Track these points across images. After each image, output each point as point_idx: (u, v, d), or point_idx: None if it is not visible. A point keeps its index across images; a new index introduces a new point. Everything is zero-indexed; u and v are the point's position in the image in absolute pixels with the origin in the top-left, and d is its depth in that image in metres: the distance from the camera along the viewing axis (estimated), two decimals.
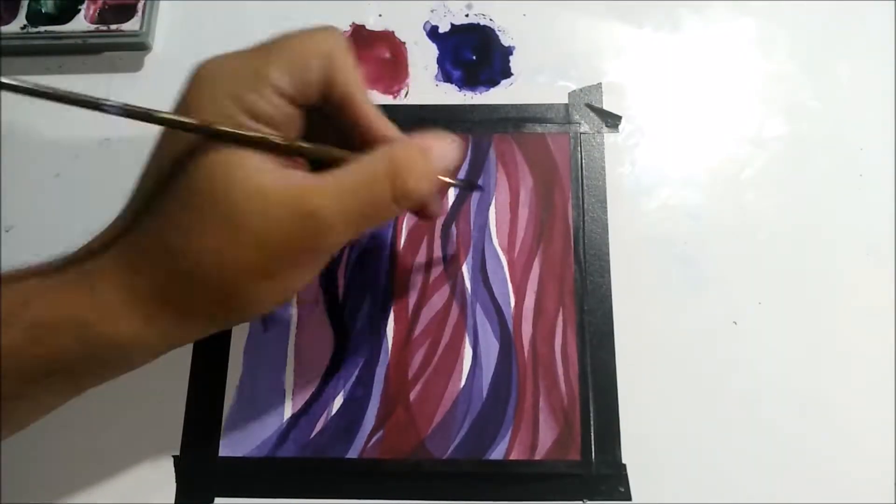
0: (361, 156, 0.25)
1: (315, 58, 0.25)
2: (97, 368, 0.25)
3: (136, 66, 0.40)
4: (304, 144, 0.25)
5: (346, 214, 0.24)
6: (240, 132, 0.23)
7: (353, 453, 0.32)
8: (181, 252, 0.23)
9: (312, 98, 0.25)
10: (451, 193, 0.37)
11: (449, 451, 0.32)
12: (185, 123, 0.22)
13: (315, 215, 0.23)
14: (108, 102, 0.21)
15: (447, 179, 0.29)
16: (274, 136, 0.24)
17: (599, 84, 0.39)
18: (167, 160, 0.24)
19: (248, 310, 0.25)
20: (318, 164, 0.25)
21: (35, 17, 0.39)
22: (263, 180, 0.23)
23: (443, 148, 0.26)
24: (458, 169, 0.37)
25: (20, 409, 0.25)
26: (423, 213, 0.31)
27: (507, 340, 0.34)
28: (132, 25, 0.39)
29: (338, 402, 0.33)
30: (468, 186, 0.34)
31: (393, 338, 0.34)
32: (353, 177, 0.24)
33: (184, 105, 0.24)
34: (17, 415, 0.25)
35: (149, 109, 0.22)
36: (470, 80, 0.39)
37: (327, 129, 0.26)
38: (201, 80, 0.24)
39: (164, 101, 0.39)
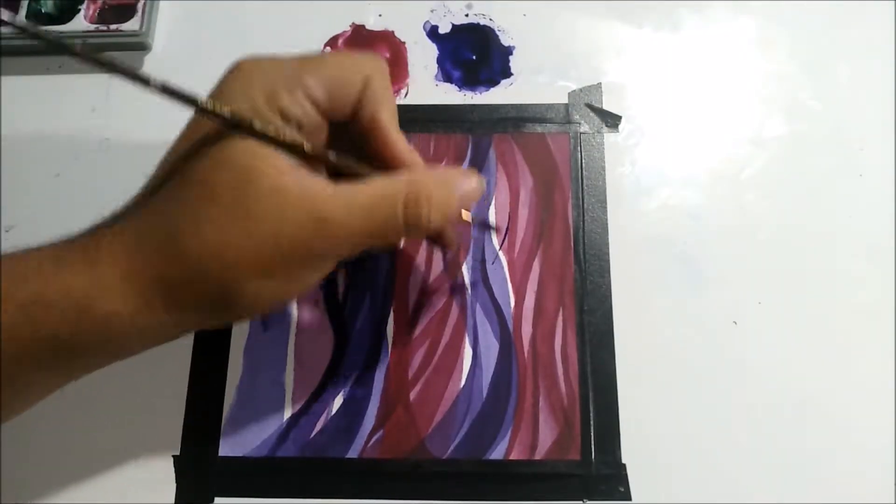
0: (381, 175, 0.25)
1: (354, 77, 0.26)
2: (92, 349, 0.25)
3: (136, 66, 0.40)
4: (329, 154, 0.25)
5: (354, 229, 0.24)
6: (271, 133, 0.23)
7: (353, 453, 0.32)
8: (188, 237, 0.23)
9: (343, 113, 0.26)
10: None
11: (449, 451, 0.32)
12: (221, 115, 0.23)
13: (326, 221, 0.24)
14: (152, 79, 0.22)
15: (464, 216, 0.30)
16: (301, 141, 0.24)
17: (599, 84, 0.39)
18: (191, 145, 0.24)
19: (243, 306, 0.25)
20: (337, 174, 0.25)
21: (35, 17, 0.39)
22: (284, 180, 0.23)
23: (465, 183, 0.27)
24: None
25: (16, 391, 0.25)
26: (435, 241, 0.32)
27: (507, 340, 0.34)
28: (132, 25, 0.39)
29: (338, 402, 0.33)
30: (484, 226, 0.34)
31: (393, 338, 0.34)
32: (370, 193, 0.25)
33: (218, 93, 0.25)
34: (13, 397, 0.25)
35: (190, 94, 0.22)
36: (470, 80, 0.39)
37: (348, 144, 0.27)
38: (240, 71, 0.25)
39: (163, 101, 0.39)
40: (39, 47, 0.39)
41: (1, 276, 0.23)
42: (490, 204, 0.36)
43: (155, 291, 0.24)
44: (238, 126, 0.23)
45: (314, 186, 0.24)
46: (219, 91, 0.25)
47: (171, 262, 0.23)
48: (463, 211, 0.30)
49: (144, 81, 0.22)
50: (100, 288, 0.23)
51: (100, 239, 0.24)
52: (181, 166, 0.24)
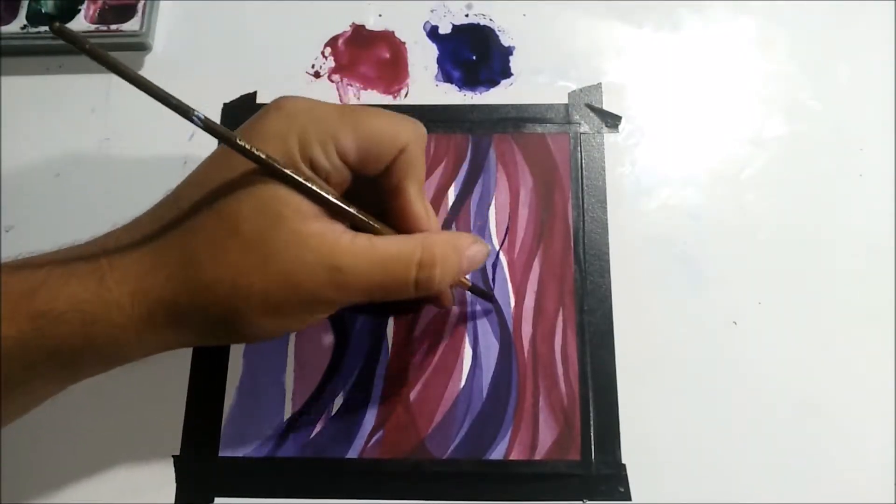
0: (399, 235, 0.27)
1: (390, 144, 0.26)
2: (96, 359, 0.25)
3: (136, 67, 0.40)
4: (352, 209, 0.26)
5: (368, 281, 0.25)
6: (302, 180, 0.24)
7: (353, 453, 0.32)
8: (205, 267, 0.24)
9: (370, 173, 0.27)
10: (452, 193, 0.37)
11: (449, 451, 0.32)
12: (258, 157, 0.23)
13: (341, 271, 0.24)
14: (196, 114, 0.22)
15: (466, 282, 0.31)
16: (329, 193, 0.25)
17: (599, 84, 0.39)
18: (218, 175, 0.25)
19: (246, 336, 0.26)
20: (356, 225, 0.26)
21: (35, 17, 0.39)
22: (306, 226, 0.24)
23: (475, 251, 0.28)
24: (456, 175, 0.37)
25: (21, 396, 0.25)
26: (435, 301, 0.33)
27: (507, 340, 0.34)
28: (132, 25, 0.39)
29: (338, 402, 0.33)
30: (483, 295, 0.34)
31: (393, 338, 0.34)
32: (386, 250, 0.25)
33: (255, 129, 0.25)
34: (17, 401, 0.26)
35: (229, 132, 0.23)
36: (470, 80, 0.39)
37: (371, 192, 0.28)
38: (280, 112, 0.25)
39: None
40: (44, 48, 0.40)
41: (5, 288, 0.23)
42: (490, 204, 0.36)
43: (162, 311, 0.24)
44: (270, 170, 0.24)
45: (334, 235, 0.25)
46: (257, 126, 0.25)
47: (183, 288, 0.24)
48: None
49: (186, 114, 0.22)
50: (107, 302, 0.24)
51: (111, 252, 0.24)
52: (205, 195, 0.24)
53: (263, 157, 0.23)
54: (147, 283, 0.24)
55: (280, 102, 0.26)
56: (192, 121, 0.22)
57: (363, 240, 0.25)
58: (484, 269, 0.35)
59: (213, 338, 0.27)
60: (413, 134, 0.27)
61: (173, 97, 0.22)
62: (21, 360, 0.23)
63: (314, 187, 0.24)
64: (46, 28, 0.39)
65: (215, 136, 0.23)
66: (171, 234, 0.24)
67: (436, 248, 0.26)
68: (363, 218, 0.26)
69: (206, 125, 0.23)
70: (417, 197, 0.28)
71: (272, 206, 0.24)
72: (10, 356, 0.23)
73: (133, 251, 0.24)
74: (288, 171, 0.24)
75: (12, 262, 0.25)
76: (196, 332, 0.25)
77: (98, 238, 0.26)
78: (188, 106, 0.22)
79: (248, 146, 0.23)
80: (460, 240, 0.28)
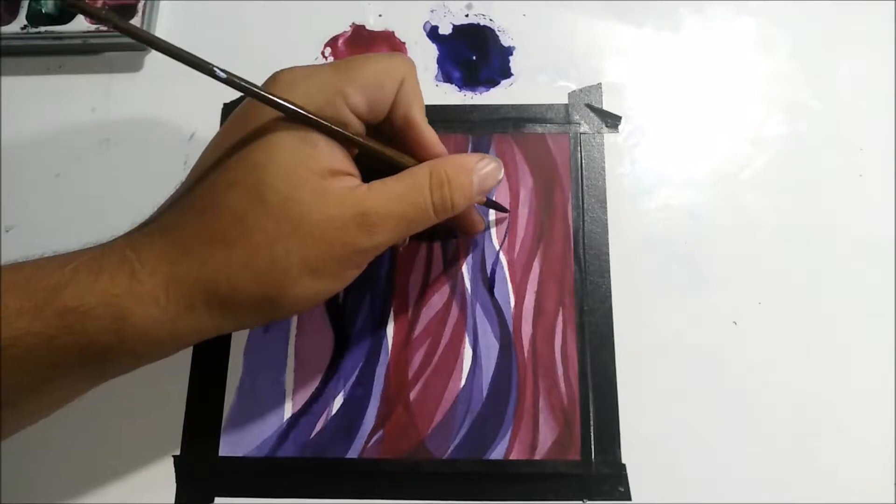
0: (409, 168, 0.27)
1: (389, 80, 0.27)
2: (126, 357, 0.25)
3: (136, 66, 0.40)
4: (375, 144, 0.27)
5: (393, 217, 0.26)
6: (323, 120, 0.25)
7: (353, 453, 0.32)
8: (236, 241, 0.24)
9: (380, 116, 0.27)
10: None
11: (449, 451, 0.32)
12: (286, 106, 0.24)
13: (367, 215, 0.25)
14: (217, 69, 0.23)
15: (482, 198, 0.31)
16: (352, 133, 0.26)
17: (599, 84, 0.39)
18: (231, 153, 0.25)
19: (289, 306, 0.26)
20: (368, 176, 0.27)
21: (35, 17, 0.39)
22: (328, 184, 0.25)
23: (483, 167, 0.29)
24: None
25: (45, 395, 0.25)
26: (466, 227, 0.34)
27: (507, 340, 0.34)
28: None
29: (338, 402, 0.33)
30: (499, 208, 0.35)
31: (393, 338, 0.34)
32: (401, 184, 0.26)
33: (256, 104, 0.25)
34: (41, 401, 0.25)
35: (254, 85, 0.24)
36: (470, 81, 0.39)
37: (379, 140, 0.28)
38: (280, 84, 0.26)
39: (163, 101, 0.39)
40: (44, 48, 0.40)
41: (30, 283, 0.23)
42: None
43: (200, 296, 0.24)
44: (299, 117, 0.25)
45: (352, 186, 0.25)
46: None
47: (218, 269, 0.24)
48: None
49: (210, 72, 0.23)
50: (140, 297, 0.23)
51: (138, 246, 0.24)
52: (223, 172, 0.25)
53: (291, 105, 0.24)
54: (179, 271, 0.24)
55: (275, 76, 0.26)
56: (214, 76, 0.23)
57: (378, 184, 0.26)
58: (484, 268, 0.35)
59: (255, 316, 0.26)
60: (406, 65, 0.28)
61: (193, 55, 0.23)
62: (48, 358, 0.23)
63: (344, 132, 0.25)
64: (46, 28, 0.39)
65: (241, 90, 0.23)
66: (195, 217, 0.24)
67: (443, 170, 0.27)
68: (388, 151, 0.27)
69: (230, 79, 0.23)
70: (425, 124, 0.28)
71: (293, 170, 0.24)
72: (36, 353, 0.23)
73: (160, 242, 0.24)
74: (321, 117, 0.25)
75: (36, 259, 0.25)
76: (237, 314, 0.25)
77: (120, 236, 0.26)
78: (208, 62, 0.23)
79: (275, 96, 0.24)
80: (467, 159, 0.28)
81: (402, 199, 0.26)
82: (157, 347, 0.25)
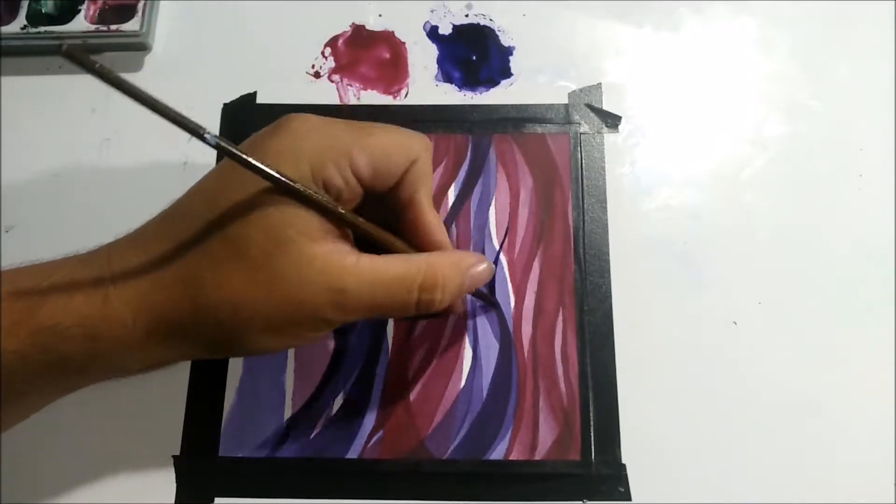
0: (403, 256, 0.26)
1: (401, 157, 0.26)
2: (97, 372, 0.26)
3: (137, 66, 0.40)
4: (367, 226, 0.26)
5: (368, 304, 0.25)
6: (319, 197, 0.24)
7: (353, 453, 0.32)
8: (209, 288, 0.24)
9: (384, 187, 0.27)
10: (452, 193, 0.37)
11: (449, 451, 0.32)
12: (273, 175, 0.23)
13: (343, 292, 0.24)
14: (208, 135, 0.22)
15: (471, 296, 0.31)
16: (337, 206, 0.25)
17: (599, 84, 0.39)
18: (221, 199, 0.24)
19: (246, 352, 0.27)
20: (364, 244, 0.26)
21: (35, 17, 0.39)
22: (315, 249, 0.24)
23: (476, 268, 0.28)
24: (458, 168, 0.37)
25: (19, 405, 0.26)
26: (442, 313, 0.32)
27: (507, 340, 0.34)
28: (132, 25, 0.39)
29: (338, 402, 0.33)
30: (486, 300, 0.34)
31: (393, 338, 0.34)
32: (389, 272, 0.25)
33: (262, 148, 0.25)
34: (14, 412, 0.26)
35: (239, 149, 0.23)
36: (470, 81, 0.39)
37: (379, 210, 0.28)
38: (289, 132, 0.25)
39: (163, 101, 0.39)
40: (44, 48, 0.40)
41: (6, 301, 0.23)
42: (490, 204, 0.36)
43: (164, 329, 0.24)
44: (284, 188, 0.24)
45: (339, 256, 0.25)
46: (267, 145, 0.25)
47: (185, 307, 0.24)
48: None
49: (200, 135, 0.22)
50: (110, 318, 0.24)
51: (115, 271, 0.24)
52: (212, 213, 0.24)
53: (277, 175, 0.23)
54: (150, 301, 0.24)
55: (289, 122, 0.25)
56: (203, 140, 0.22)
57: (367, 260, 0.25)
58: None
59: (214, 353, 0.27)
60: (422, 146, 0.27)
61: (185, 117, 0.22)
62: (22, 373, 0.24)
63: (330, 204, 0.24)
64: (46, 28, 0.39)
65: (229, 156, 0.23)
66: (175, 253, 0.24)
67: (439, 270, 0.26)
68: (377, 233, 0.26)
69: (219, 145, 0.22)
70: (430, 208, 0.28)
71: (280, 229, 0.24)
72: (11, 369, 0.23)
73: (137, 268, 0.24)
74: (304, 188, 0.24)
75: (13, 270, 0.25)
76: (197, 349, 0.26)
77: (102, 248, 0.26)
78: (199, 125, 0.22)
79: (263, 165, 0.23)
80: (465, 260, 0.28)
81: (385, 288, 0.25)
82: (125, 368, 0.26)
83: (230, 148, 0.22)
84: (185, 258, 0.24)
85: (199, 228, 0.24)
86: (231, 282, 0.24)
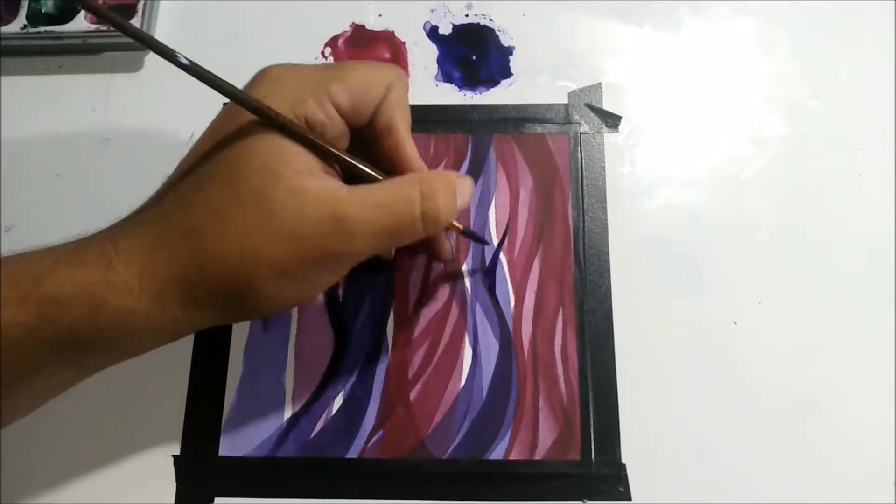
0: (393, 178, 0.27)
1: (376, 84, 0.27)
2: (105, 347, 0.25)
3: (136, 66, 0.40)
4: (350, 157, 0.26)
5: (372, 226, 0.25)
6: (297, 127, 0.25)
7: (353, 453, 0.32)
8: (210, 236, 0.24)
9: (363, 120, 0.27)
10: None
11: (449, 451, 0.32)
12: (250, 100, 0.24)
13: (345, 220, 0.24)
14: (181, 57, 0.23)
15: (458, 226, 0.31)
16: (325, 142, 0.25)
17: (599, 84, 0.39)
18: (212, 148, 0.25)
19: (259, 306, 0.25)
20: (351, 180, 0.26)
21: (35, 17, 0.39)
22: (305, 182, 0.24)
23: (464, 185, 0.28)
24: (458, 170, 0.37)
25: (28, 389, 0.25)
26: (437, 251, 0.33)
27: (507, 340, 0.34)
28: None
29: (338, 402, 0.33)
30: (475, 238, 0.35)
31: (393, 338, 0.34)
32: (386, 193, 0.26)
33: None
34: (24, 395, 0.25)
35: (215, 76, 0.23)
36: (470, 81, 0.39)
37: (360, 149, 0.28)
38: (266, 77, 0.26)
39: (163, 101, 0.39)
40: (44, 48, 0.40)
41: (10, 275, 0.23)
42: (490, 204, 0.36)
43: (172, 288, 0.24)
44: (269, 120, 0.24)
45: (331, 188, 0.25)
46: (248, 92, 0.25)
47: (190, 259, 0.24)
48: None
49: (173, 58, 0.23)
50: (115, 284, 0.23)
51: (116, 237, 0.24)
52: (202, 165, 0.25)
53: (261, 106, 0.24)
54: (153, 260, 0.24)
55: (265, 70, 0.26)
56: (177, 63, 0.22)
57: (360, 189, 0.25)
58: (483, 268, 0.35)
59: (227, 313, 0.26)
60: (395, 74, 0.28)
61: (155, 40, 0.23)
62: (29, 348, 0.23)
63: (314, 136, 0.25)
64: (46, 28, 0.39)
65: (204, 81, 0.23)
66: (172, 208, 0.25)
67: (432, 182, 0.26)
68: (361, 165, 0.27)
69: (192, 66, 0.23)
70: (407, 136, 0.28)
71: (269, 164, 0.24)
72: (18, 343, 0.23)
73: (138, 232, 0.24)
74: (289, 121, 0.24)
75: (20, 253, 0.25)
76: (208, 310, 0.25)
77: (106, 227, 0.26)
78: (171, 49, 0.23)
79: (245, 95, 0.24)
80: (449, 175, 0.28)
81: (386, 208, 0.25)
82: (134, 339, 0.25)
83: (205, 71, 0.23)
84: (182, 211, 0.24)
85: (192, 181, 0.25)
86: (229, 225, 0.24)
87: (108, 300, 0.23)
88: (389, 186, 0.26)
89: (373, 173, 0.27)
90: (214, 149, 0.25)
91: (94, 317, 0.23)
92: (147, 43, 0.23)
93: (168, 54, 0.23)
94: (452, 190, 0.27)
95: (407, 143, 0.28)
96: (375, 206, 0.25)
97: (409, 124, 0.28)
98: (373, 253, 0.26)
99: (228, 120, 0.25)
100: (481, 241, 0.35)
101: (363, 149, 0.28)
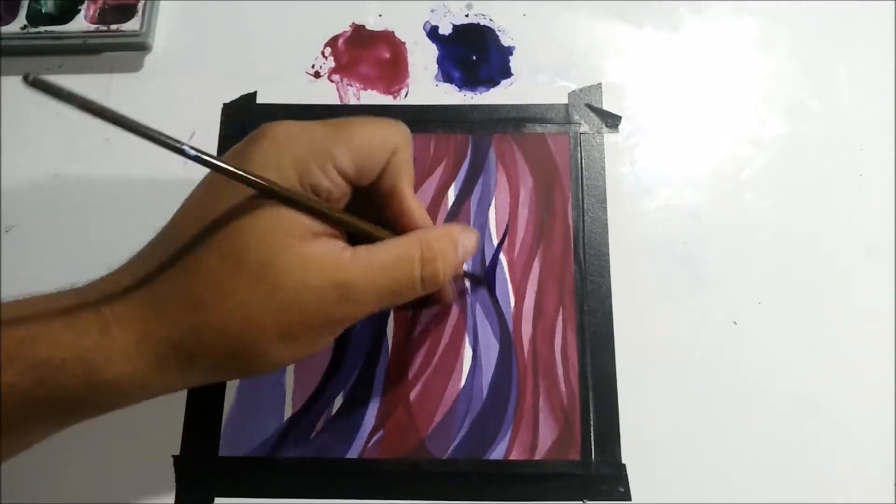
0: (396, 237, 0.27)
1: (381, 148, 0.27)
2: (97, 406, 0.25)
3: (136, 66, 0.40)
4: (349, 218, 0.26)
5: (375, 289, 0.25)
6: (303, 198, 0.24)
7: (353, 453, 0.32)
8: (212, 307, 0.24)
9: (368, 180, 0.27)
10: (452, 193, 0.37)
11: (449, 451, 0.32)
12: (251, 180, 0.23)
13: (349, 286, 0.24)
14: (187, 148, 0.22)
15: (463, 271, 0.31)
16: (327, 207, 0.25)
17: (599, 84, 0.39)
18: (211, 214, 0.24)
19: (261, 367, 0.25)
20: (355, 237, 0.26)
21: (35, 17, 0.39)
22: (307, 250, 0.24)
23: (467, 239, 0.28)
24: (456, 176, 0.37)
25: (18, 439, 0.25)
26: (437, 299, 0.33)
27: (507, 340, 0.34)
28: (132, 25, 0.39)
29: (338, 402, 0.33)
30: (477, 280, 0.35)
31: (393, 338, 0.34)
32: (387, 255, 0.26)
33: (243, 159, 0.25)
34: (14, 444, 0.26)
35: (221, 159, 0.22)
36: (470, 80, 0.39)
37: (364, 204, 0.28)
38: (269, 141, 0.25)
39: (163, 101, 0.39)
40: (44, 48, 0.39)
41: (4, 335, 0.23)
42: (490, 204, 0.36)
43: (171, 354, 0.24)
44: (272, 195, 0.23)
45: (335, 253, 0.25)
46: (248, 156, 0.25)
47: (191, 329, 0.24)
48: None
49: (180, 151, 0.22)
50: (112, 351, 0.23)
51: (113, 299, 0.24)
52: (203, 229, 0.24)
53: (261, 180, 0.23)
54: (151, 329, 0.24)
55: (267, 130, 0.25)
56: (183, 154, 0.22)
57: (363, 251, 0.25)
58: (483, 268, 0.35)
59: (224, 375, 0.26)
60: (401, 135, 0.27)
61: (162, 133, 0.22)
62: (21, 408, 0.23)
63: (317, 203, 0.25)
64: (46, 28, 0.39)
65: (211, 168, 0.22)
66: (172, 276, 0.24)
67: (433, 242, 0.26)
68: (366, 226, 0.27)
69: (199, 157, 0.22)
70: (412, 196, 0.28)
71: (273, 234, 0.24)
72: (10, 404, 0.23)
73: (135, 297, 0.24)
74: (290, 191, 0.24)
75: (9, 303, 0.24)
76: (205, 372, 0.25)
77: (97, 281, 0.25)
78: (177, 140, 0.22)
79: (246, 172, 0.23)
80: (452, 230, 0.28)
81: (387, 270, 0.25)
82: (125, 399, 0.25)
83: (211, 160, 0.22)
84: (183, 281, 0.24)
85: (192, 247, 0.24)
86: (234, 297, 0.23)
87: (103, 366, 0.23)
88: (390, 248, 0.26)
89: (376, 234, 0.27)
90: (214, 212, 0.24)
91: (88, 380, 0.23)
92: (151, 137, 0.22)
93: (176, 147, 0.22)
94: (454, 248, 0.27)
95: (412, 204, 0.28)
96: (378, 268, 0.25)
97: (412, 183, 0.28)
98: (374, 312, 0.26)
99: (225, 183, 0.24)
100: (481, 281, 0.35)
101: (366, 202, 0.28)
